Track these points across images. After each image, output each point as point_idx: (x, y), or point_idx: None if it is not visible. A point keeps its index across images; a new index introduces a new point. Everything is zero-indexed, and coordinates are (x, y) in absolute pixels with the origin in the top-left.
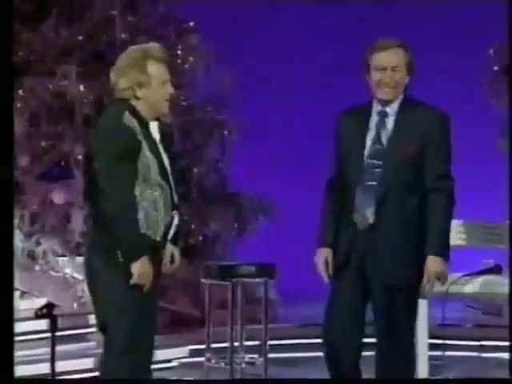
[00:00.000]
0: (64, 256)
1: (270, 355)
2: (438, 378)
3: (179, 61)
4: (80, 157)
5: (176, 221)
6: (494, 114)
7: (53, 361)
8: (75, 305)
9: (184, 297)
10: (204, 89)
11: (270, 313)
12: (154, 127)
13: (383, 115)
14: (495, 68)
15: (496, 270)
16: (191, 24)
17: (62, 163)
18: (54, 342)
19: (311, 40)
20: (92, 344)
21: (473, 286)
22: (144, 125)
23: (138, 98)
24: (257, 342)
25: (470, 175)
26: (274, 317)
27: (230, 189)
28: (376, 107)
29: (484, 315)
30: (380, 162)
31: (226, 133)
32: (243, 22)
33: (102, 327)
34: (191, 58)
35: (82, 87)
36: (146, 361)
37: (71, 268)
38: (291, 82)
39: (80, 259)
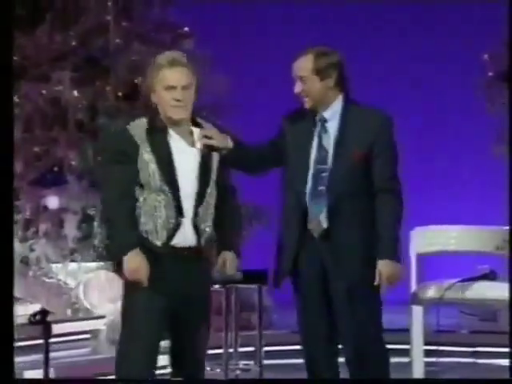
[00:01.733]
0: (57, 262)
1: (265, 361)
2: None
3: None
4: (73, 162)
5: (187, 227)
6: (490, 119)
7: (46, 367)
8: (69, 311)
9: None
10: (199, 94)
11: (264, 319)
12: (179, 131)
13: (323, 121)
14: (490, 73)
15: (491, 276)
16: (186, 29)
17: (56, 169)
18: (48, 348)
19: (311, 42)
20: (86, 351)
21: (468, 292)
22: (161, 130)
23: (154, 103)
24: (251, 349)
25: (465, 181)
26: (269, 323)
27: None
28: (315, 113)
29: (479, 321)
30: (326, 167)
31: None
32: (240, 27)
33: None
34: None
35: (75, 93)
36: (148, 363)
37: (64, 274)
38: (289, 87)
39: (73, 265)
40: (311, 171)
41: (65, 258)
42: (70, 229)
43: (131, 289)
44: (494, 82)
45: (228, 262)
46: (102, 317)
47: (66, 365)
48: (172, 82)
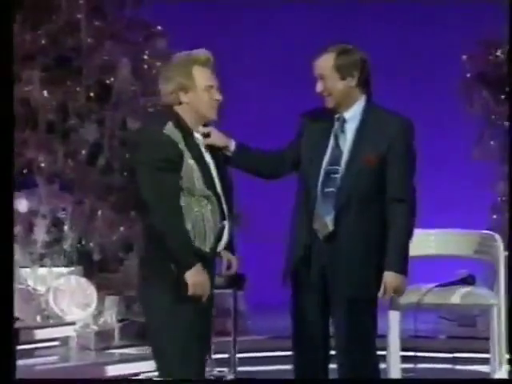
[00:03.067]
0: (26, 267)
1: (240, 368)
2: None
3: (146, 66)
4: (43, 164)
5: (227, 230)
6: (468, 122)
7: (13, 374)
8: (38, 318)
9: None
10: None
11: (239, 325)
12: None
13: (342, 121)
14: (468, 75)
15: (470, 280)
16: (159, 28)
17: (25, 171)
18: (15, 355)
19: (288, 42)
20: (55, 358)
21: (446, 297)
22: (189, 133)
23: (182, 104)
24: (226, 355)
25: (444, 184)
26: (244, 329)
27: None
28: (336, 113)
29: (458, 327)
30: (338, 168)
31: None
32: (215, 25)
33: (155, 344)
34: (158, 64)
35: (45, 93)
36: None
37: (34, 279)
38: (268, 88)
39: (43, 270)
40: (323, 171)
41: (34, 263)
42: (40, 233)
43: (178, 301)
44: (473, 83)
45: (233, 263)
46: (73, 323)
47: (35, 372)
48: (211, 81)
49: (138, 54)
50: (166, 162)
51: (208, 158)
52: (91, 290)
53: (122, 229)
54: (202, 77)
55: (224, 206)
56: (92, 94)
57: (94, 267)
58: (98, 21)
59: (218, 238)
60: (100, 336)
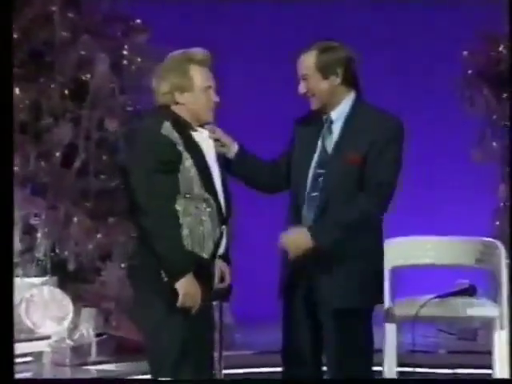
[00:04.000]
0: None
1: None
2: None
3: (125, 62)
4: (15, 167)
5: (225, 236)
6: (468, 121)
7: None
8: None
9: (130, 322)
10: (153, 93)
11: (225, 339)
12: (200, 135)
13: (329, 122)
14: (469, 71)
15: (471, 291)
16: (139, 21)
17: None
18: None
19: (273, 40)
20: (27, 375)
21: (446, 309)
22: (187, 134)
23: (178, 104)
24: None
25: (443, 188)
26: (230, 343)
27: None
28: (324, 113)
29: (458, 340)
30: (323, 171)
31: None
32: (198, 19)
33: (151, 354)
34: (139, 59)
35: (17, 90)
36: None
37: None
38: (250, 87)
39: (15, 281)
40: (311, 175)
41: None
42: None
43: (176, 312)
44: (474, 80)
45: (226, 275)
46: (47, 337)
47: None
48: (209, 81)
49: (116, 49)
50: (163, 164)
51: (209, 159)
52: (66, 302)
53: (99, 236)
54: (200, 77)
55: (224, 211)
56: (67, 92)
57: (69, 277)
58: (73, 13)
59: (217, 244)
60: (76, 351)
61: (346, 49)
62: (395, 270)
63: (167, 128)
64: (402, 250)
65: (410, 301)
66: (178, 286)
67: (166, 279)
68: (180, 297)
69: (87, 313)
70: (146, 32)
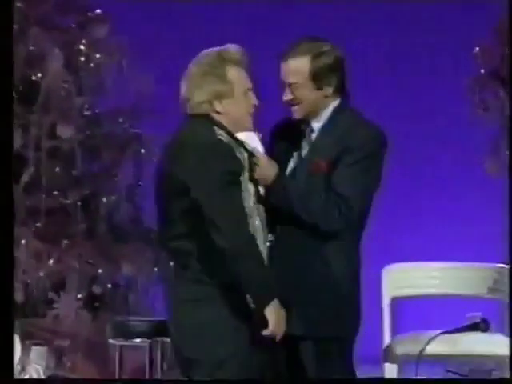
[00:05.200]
0: None
1: None
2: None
3: (82, 58)
4: None
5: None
6: (481, 127)
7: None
8: None
9: (88, 362)
10: (114, 94)
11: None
12: (246, 141)
13: (310, 130)
14: (482, 71)
15: (483, 326)
16: (98, 12)
17: None
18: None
19: (248, 39)
20: None
21: (455, 347)
22: (238, 141)
23: (217, 113)
24: None
25: (450, 204)
26: None
27: (148, 223)
28: (305, 122)
29: (468, 383)
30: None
31: (142, 151)
32: (166, 11)
33: None
34: (98, 55)
35: None
36: None
37: None
38: None
39: None
40: None
41: None
42: None
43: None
44: (487, 80)
45: None
46: None
47: None
48: (248, 83)
49: (72, 43)
50: (230, 175)
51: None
52: (13, 339)
53: (51, 262)
54: (239, 80)
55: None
56: (14, 94)
57: (16, 311)
58: (20, 2)
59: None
60: None
61: (337, 50)
62: (395, 302)
63: (221, 133)
64: (403, 279)
65: (413, 337)
66: (269, 312)
67: (253, 305)
68: (270, 325)
69: (37, 352)
70: (105, 24)
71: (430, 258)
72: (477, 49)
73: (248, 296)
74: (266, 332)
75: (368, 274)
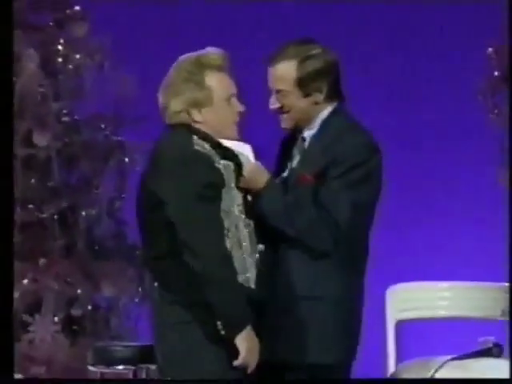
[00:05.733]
0: None
1: None
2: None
3: (60, 59)
4: None
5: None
6: (494, 134)
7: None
8: None
9: None
10: (95, 99)
11: None
12: (232, 148)
13: (302, 140)
14: (495, 73)
15: (496, 351)
16: (77, 9)
17: None
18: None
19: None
20: None
21: (465, 373)
22: (221, 148)
23: (197, 123)
24: None
25: (460, 221)
26: None
27: (131, 239)
28: (296, 132)
29: None
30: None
31: (125, 160)
32: (150, 9)
33: None
34: (77, 56)
35: None
36: None
37: None
38: None
39: None
40: None
41: None
42: None
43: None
44: (501, 84)
45: None
46: None
47: None
48: (231, 89)
49: (48, 43)
50: (206, 188)
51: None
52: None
53: (25, 282)
54: (220, 86)
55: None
56: None
57: None
58: None
59: (259, 270)
60: None
61: (329, 53)
62: (401, 325)
63: (199, 143)
64: (409, 300)
65: (420, 363)
66: (239, 340)
67: (223, 332)
68: (242, 354)
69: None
70: (85, 22)
71: (438, 277)
72: (490, 49)
73: (218, 323)
74: (236, 362)
75: (370, 296)
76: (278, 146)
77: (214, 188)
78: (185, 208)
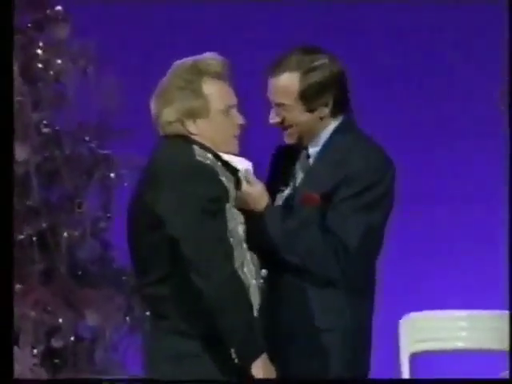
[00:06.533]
0: None
1: None
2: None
3: (40, 65)
4: None
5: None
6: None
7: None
8: None
9: None
10: (78, 108)
11: None
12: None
13: (306, 156)
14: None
15: None
16: (58, 9)
17: None
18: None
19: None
20: None
21: None
22: (222, 161)
23: (192, 135)
24: None
25: (477, 245)
26: None
27: (118, 263)
28: (300, 147)
29: None
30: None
31: (111, 175)
32: (139, 9)
33: None
34: (58, 61)
35: None
36: None
37: None
38: None
39: None
40: None
41: None
42: None
43: None
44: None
45: None
46: None
47: None
48: (230, 99)
49: (27, 46)
50: (212, 202)
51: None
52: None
53: None
54: (218, 95)
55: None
56: None
57: None
58: None
59: (263, 297)
60: None
61: (336, 63)
62: (415, 358)
63: (201, 153)
64: (424, 330)
65: None
66: (255, 370)
67: (236, 360)
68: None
69: None
70: (67, 23)
71: (456, 305)
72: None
73: (232, 351)
74: None
75: (383, 325)
76: (271, 160)
77: (219, 202)
78: (190, 223)
